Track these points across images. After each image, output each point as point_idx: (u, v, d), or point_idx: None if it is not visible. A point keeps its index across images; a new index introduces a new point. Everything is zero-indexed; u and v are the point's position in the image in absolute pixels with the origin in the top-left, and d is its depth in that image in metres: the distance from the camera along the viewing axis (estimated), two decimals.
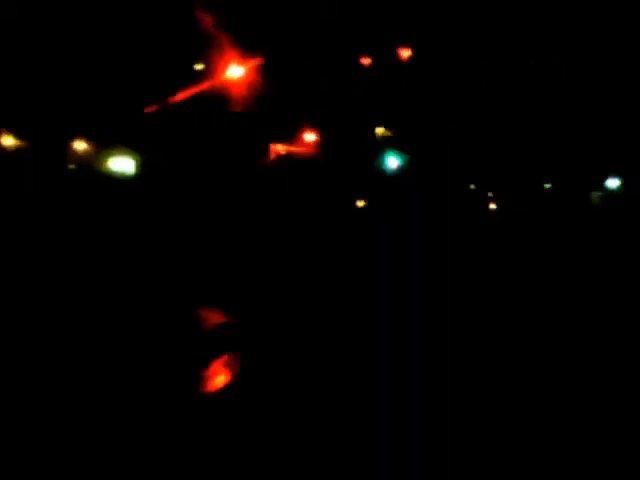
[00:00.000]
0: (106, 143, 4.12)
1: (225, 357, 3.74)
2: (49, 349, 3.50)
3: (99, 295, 3.81)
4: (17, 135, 4.03)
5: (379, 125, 4.48)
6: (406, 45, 4.37)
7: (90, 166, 4.16)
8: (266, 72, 4.27)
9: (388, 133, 4.51)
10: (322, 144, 4.42)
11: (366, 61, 4.46)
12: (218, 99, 4.26)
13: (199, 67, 4.25)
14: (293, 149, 4.42)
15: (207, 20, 4.12)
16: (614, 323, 3.96)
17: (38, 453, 2.97)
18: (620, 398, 3.48)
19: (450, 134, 4.24)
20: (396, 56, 4.43)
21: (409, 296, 3.93)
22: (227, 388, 3.65)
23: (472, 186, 4.35)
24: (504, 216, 4.20)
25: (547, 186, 4.34)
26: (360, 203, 4.35)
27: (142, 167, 4.12)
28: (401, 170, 4.36)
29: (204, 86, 4.22)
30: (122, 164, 4.17)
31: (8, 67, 3.95)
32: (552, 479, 3.18)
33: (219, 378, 3.72)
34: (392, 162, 4.47)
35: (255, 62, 4.27)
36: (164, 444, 3.35)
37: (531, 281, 4.06)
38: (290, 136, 4.44)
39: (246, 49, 4.23)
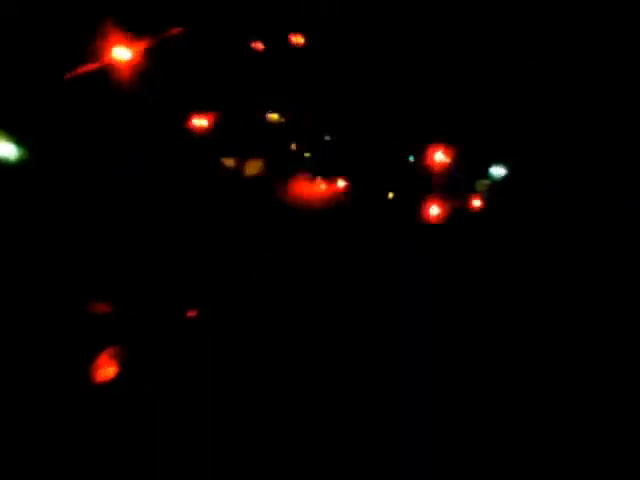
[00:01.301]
0: None
1: (112, 348, 3.63)
2: None
3: None
4: None
5: (275, 111, 4.41)
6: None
7: None
8: (156, 55, 4.14)
9: (281, 120, 4.44)
10: (214, 129, 4.32)
11: (260, 46, 4.39)
12: (103, 83, 4.10)
13: (83, 49, 4.09)
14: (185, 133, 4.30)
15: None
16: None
17: None
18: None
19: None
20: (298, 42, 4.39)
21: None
22: (117, 379, 3.55)
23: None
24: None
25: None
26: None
27: (23, 153, 3.93)
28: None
29: (87, 68, 4.06)
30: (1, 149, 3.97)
31: None
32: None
33: (107, 370, 3.60)
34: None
35: (144, 45, 4.14)
36: (54, 438, 3.25)
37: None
38: (180, 121, 4.32)
39: (134, 31, 4.09)
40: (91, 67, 4.03)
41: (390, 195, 4.22)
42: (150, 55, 4.14)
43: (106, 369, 3.52)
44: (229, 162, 4.31)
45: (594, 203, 4.09)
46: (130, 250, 3.69)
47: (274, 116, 4.46)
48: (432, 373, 3.70)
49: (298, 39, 4.44)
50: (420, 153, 4.20)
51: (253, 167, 4.30)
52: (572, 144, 4.19)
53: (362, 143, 4.24)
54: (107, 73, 4.05)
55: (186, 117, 4.31)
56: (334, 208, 4.06)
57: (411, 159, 4.21)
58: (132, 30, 4.06)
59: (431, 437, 3.47)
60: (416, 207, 4.13)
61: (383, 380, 3.68)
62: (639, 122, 4.15)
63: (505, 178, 4.23)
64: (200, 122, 4.38)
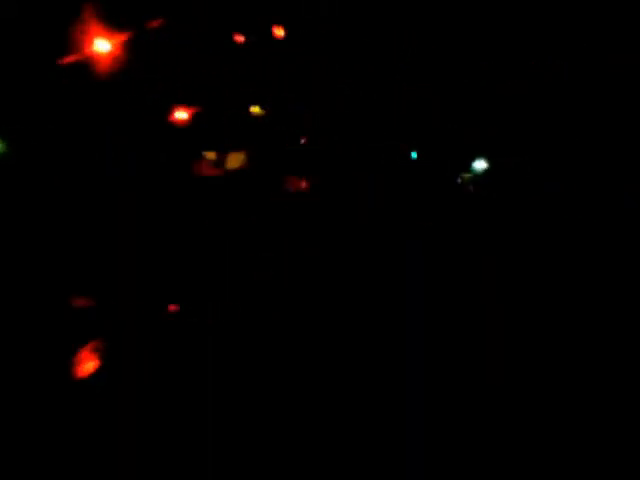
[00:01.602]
0: None
1: (93, 343, 3.50)
2: None
3: None
4: None
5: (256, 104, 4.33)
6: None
7: None
8: (135, 48, 4.04)
9: (262, 112, 4.38)
10: (195, 122, 4.21)
11: (241, 39, 4.33)
12: (82, 76, 3.98)
13: (61, 40, 3.97)
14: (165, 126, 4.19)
15: None
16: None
17: None
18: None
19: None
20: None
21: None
22: (98, 373, 3.42)
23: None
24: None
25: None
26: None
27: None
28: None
29: (66, 61, 3.93)
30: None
31: None
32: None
33: (88, 364, 3.47)
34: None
35: (123, 37, 4.03)
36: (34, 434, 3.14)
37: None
38: (162, 114, 4.21)
39: (113, 22, 3.99)
40: (79, 61, 3.92)
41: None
42: (135, 48, 4.04)
43: (87, 363, 3.39)
44: (210, 155, 4.22)
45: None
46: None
47: (256, 109, 4.39)
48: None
49: (280, 31, 4.41)
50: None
51: (235, 160, 4.22)
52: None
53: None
54: (95, 70, 3.93)
55: (170, 111, 4.22)
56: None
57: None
58: (114, 23, 3.97)
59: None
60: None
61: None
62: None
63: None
64: (182, 116, 4.29)
